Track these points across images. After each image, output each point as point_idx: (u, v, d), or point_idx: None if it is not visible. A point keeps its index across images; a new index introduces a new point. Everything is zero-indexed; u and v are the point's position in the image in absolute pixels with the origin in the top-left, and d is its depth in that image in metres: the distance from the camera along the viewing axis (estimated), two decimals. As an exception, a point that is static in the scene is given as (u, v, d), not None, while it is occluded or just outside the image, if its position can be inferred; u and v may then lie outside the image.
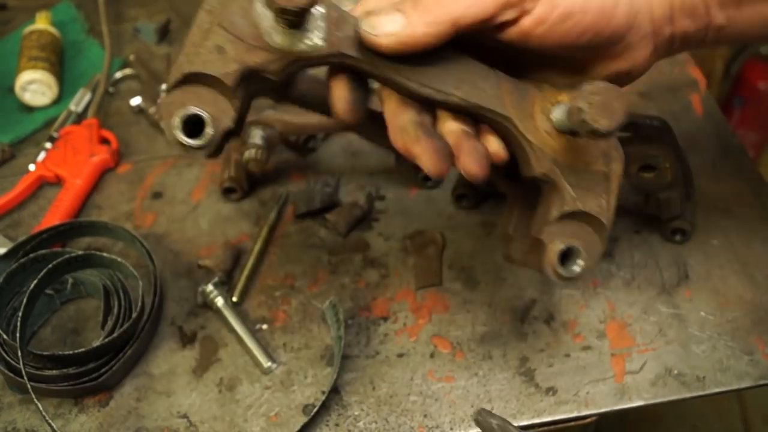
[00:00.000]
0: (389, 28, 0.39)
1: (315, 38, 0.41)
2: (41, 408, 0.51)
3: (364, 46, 0.40)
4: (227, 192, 0.69)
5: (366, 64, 0.42)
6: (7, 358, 0.55)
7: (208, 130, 0.40)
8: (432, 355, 0.57)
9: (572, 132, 0.42)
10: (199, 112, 0.40)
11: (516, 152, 0.45)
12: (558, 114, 0.43)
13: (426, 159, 0.41)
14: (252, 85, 0.42)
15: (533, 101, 0.44)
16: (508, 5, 0.40)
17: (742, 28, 0.45)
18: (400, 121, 0.42)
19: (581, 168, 0.44)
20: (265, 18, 0.40)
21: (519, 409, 0.53)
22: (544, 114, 0.44)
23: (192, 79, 0.40)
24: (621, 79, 0.45)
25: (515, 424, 0.52)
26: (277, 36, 0.41)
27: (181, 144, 0.40)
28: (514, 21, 0.41)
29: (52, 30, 0.84)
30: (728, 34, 0.45)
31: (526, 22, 0.41)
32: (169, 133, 0.40)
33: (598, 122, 0.38)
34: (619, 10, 0.41)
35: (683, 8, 0.44)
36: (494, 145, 0.43)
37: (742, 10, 0.44)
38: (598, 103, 0.38)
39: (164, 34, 0.89)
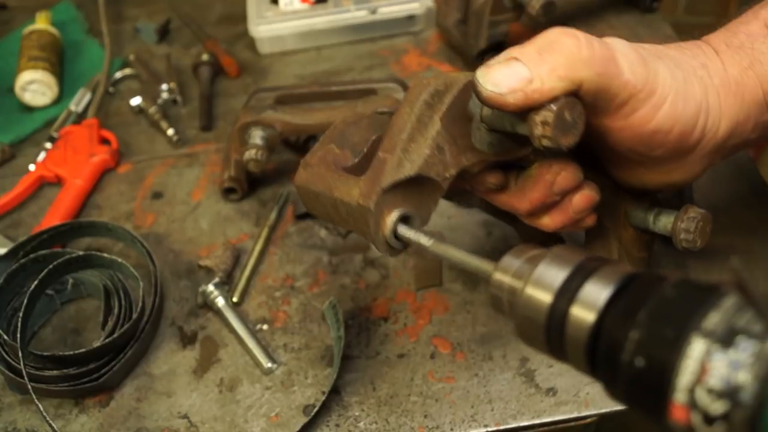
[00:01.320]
0: (513, 84, 0.36)
1: (511, 142, 0.42)
2: (42, 408, 0.51)
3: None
4: (227, 192, 0.69)
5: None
6: (8, 359, 0.55)
7: (410, 233, 0.39)
8: (432, 356, 0.57)
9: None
10: (410, 214, 0.40)
11: None
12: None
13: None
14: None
15: None
16: (628, 93, 0.37)
17: None
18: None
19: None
20: (475, 120, 0.40)
21: (519, 409, 0.53)
22: None
23: (409, 179, 0.39)
24: (669, 188, 0.45)
25: (515, 425, 0.52)
26: (481, 139, 0.41)
27: (388, 245, 0.40)
28: (618, 109, 0.38)
29: (52, 30, 0.84)
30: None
31: (620, 122, 0.39)
32: (378, 235, 0.40)
33: (696, 243, 0.47)
34: (694, 135, 0.40)
35: (747, 122, 0.42)
36: None
37: None
38: (699, 227, 0.46)
39: (164, 34, 0.89)
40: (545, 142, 0.36)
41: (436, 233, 0.39)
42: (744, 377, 0.24)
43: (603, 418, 0.53)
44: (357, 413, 0.54)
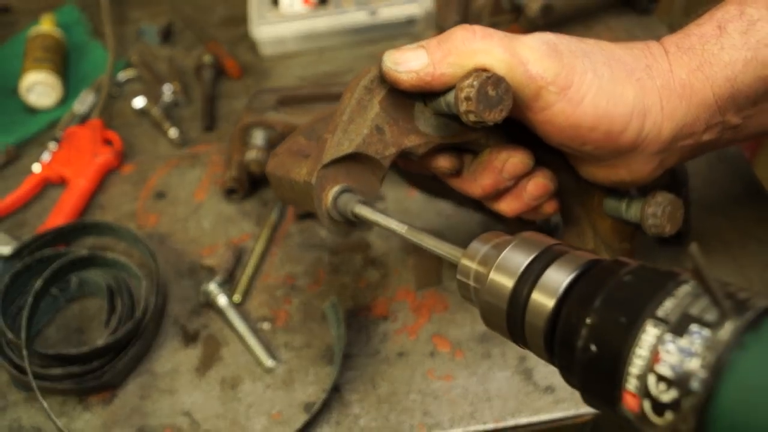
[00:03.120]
0: (412, 65, 0.39)
1: (458, 125, 0.43)
2: (46, 406, 0.52)
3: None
4: (229, 192, 0.70)
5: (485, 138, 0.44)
6: (13, 357, 0.56)
7: (376, 215, 0.41)
8: (432, 354, 0.57)
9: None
10: (350, 188, 0.42)
11: None
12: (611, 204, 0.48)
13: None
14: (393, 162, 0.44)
15: None
16: (536, 85, 0.38)
17: (761, 122, 0.42)
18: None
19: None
20: (418, 104, 0.42)
21: (517, 407, 0.53)
22: None
23: (349, 156, 0.42)
24: (623, 185, 0.45)
25: (513, 423, 0.53)
26: (426, 122, 0.43)
27: (330, 218, 0.42)
28: (531, 101, 0.39)
29: (57, 32, 0.85)
30: (744, 131, 0.43)
31: (539, 115, 0.39)
32: (320, 208, 0.42)
33: (665, 229, 0.46)
34: (626, 135, 0.40)
35: (696, 124, 0.41)
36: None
37: (760, 106, 0.41)
38: (667, 212, 0.45)
39: (167, 35, 0.90)
40: (471, 117, 0.38)
41: (405, 222, 0.40)
42: (694, 365, 0.24)
43: (600, 416, 0.53)
44: (357, 411, 0.54)
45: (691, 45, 0.41)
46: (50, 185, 0.73)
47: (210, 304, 0.61)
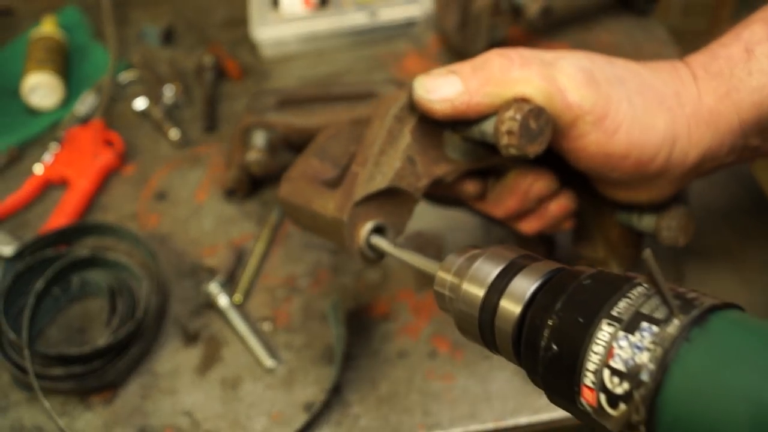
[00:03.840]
0: (445, 93, 0.38)
1: (485, 150, 0.42)
2: (48, 406, 0.52)
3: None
4: (230, 193, 0.70)
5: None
6: (14, 357, 0.56)
7: (385, 244, 0.41)
8: (432, 355, 0.57)
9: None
10: (383, 226, 0.41)
11: None
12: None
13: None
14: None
15: None
16: (574, 114, 0.37)
17: None
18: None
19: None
20: (447, 131, 0.41)
21: (517, 407, 0.53)
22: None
23: (384, 191, 0.40)
24: (640, 204, 0.45)
25: (513, 423, 0.53)
26: (454, 149, 0.42)
27: (363, 256, 0.41)
28: (567, 130, 0.39)
29: (59, 34, 0.85)
30: (764, 151, 0.43)
31: (573, 143, 0.39)
32: (352, 246, 0.41)
33: (678, 240, 0.47)
34: (654, 163, 0.40)
35: (720, 150, 0.41)
36: None
37: None
38: (681, 224, 0.46)
39: (168, 37, 0.90)
40: (512, 151, 0.37)
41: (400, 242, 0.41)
42: (645, 358, 0.26)
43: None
44: (357, 411, 0.54)
45: (720, 69, 0.40)
46: (52, 186, 0.73)
47: (211, 305, 0.62)
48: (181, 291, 0.63)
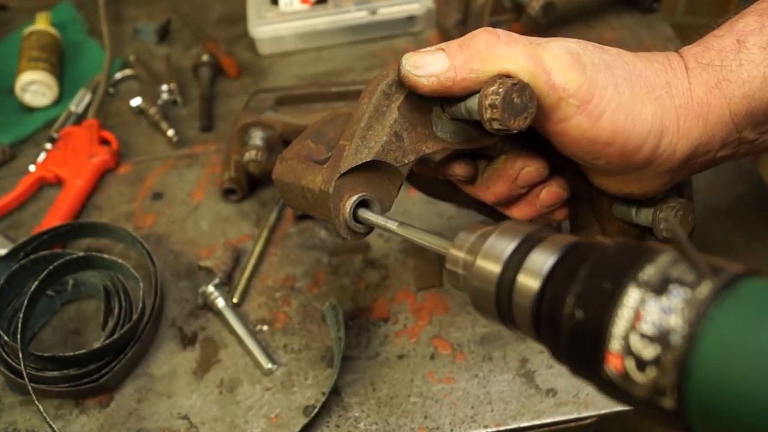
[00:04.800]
0: (432, 69, 0.38)
1: (475, 131, 0.42)
2: (42, 409, 0.51)
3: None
4: (227, 193, 0.69)
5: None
6: (8, 360, 0.55)
7: (373, 217, 0.41)
8: (432, 357, 0.57)
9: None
10: (369, 198, 0.41)
11: None
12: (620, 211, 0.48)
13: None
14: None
15: None
16: (557, 96, 0.37)
17: None
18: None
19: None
20: (436, 109, 0.41)
21: (519, 410, 0.53)
22: None
23: (367, 164, 0.41)
24: (633, 196, 0.45)
25: (515, 426, 0.52)
26: (443, 128, 0.42)
27: (348, 228, 0.41)
28: (550, 111, 0.38)
29: (53, 31, 0.84)
30: (761, 145, 0.42)
31: (556, 125, 0.39)
32: (338, 218, 0.41)
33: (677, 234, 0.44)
34: (640, 153, 0.39)
35: (712, 143, 0.40)
36: None
37: None
38: (679, 216, 0.45)
39: (164, 34, 0.90)
40: (495, 125, 0.37)
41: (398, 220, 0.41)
42: (675, 321, 0.26)
43: (602, 419, 0.53)
44: (357, 414, 0.54)
45: (711, 60, 0.40)
46: (46, 185, 0.73)
47: (208, 306, 0.61)
48: (177, 292, 0.63)
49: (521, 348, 0.57)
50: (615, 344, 0.27)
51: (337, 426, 0.53)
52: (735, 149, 0.42)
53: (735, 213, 0.64)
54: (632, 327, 0.27)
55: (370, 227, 0.42)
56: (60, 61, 0.83)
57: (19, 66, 0.79)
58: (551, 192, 0.46)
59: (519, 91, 0.37)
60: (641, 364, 0.26)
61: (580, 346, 0.29)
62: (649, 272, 0.27)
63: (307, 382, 0.56)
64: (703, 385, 0.25)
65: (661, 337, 0.26)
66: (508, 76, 0.37)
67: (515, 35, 0.38)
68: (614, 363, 0.27)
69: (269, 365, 0.57)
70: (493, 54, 0.38)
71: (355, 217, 0.42)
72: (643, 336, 0.26)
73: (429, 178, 0.49)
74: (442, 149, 0.43)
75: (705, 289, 0.26)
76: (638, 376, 0.27)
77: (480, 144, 0.44)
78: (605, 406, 0.53)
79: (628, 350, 0.27)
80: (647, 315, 0.26)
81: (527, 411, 0.53)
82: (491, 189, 0.46)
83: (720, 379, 0.24)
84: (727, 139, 0.40)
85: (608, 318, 0.27)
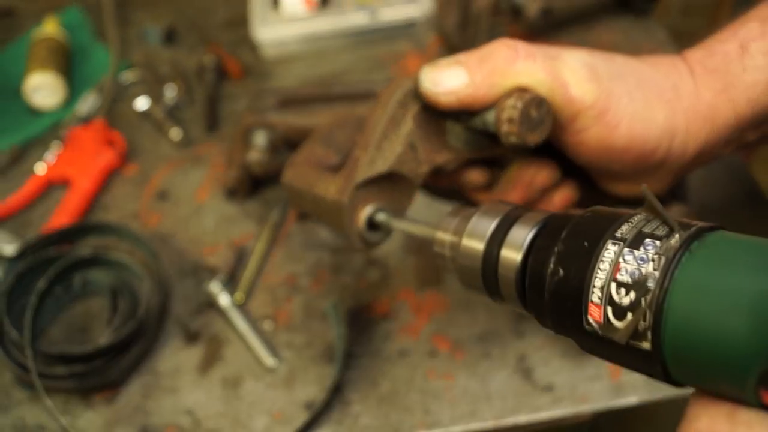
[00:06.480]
0: (451, 85, 0.38)
1: (488, 140, 0.42)
2: (50, 404, 0.52)
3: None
4: (231, 193, 0.70)
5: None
6: (17, 356, 0.56)
7: (386, 226, 0.42)
8: (432, 354, 0.57)
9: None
10: (382, 210, 0.42)
11: None
12: None
13: None
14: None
15: None
16: (575, 108, 0.38)
17: None
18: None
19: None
20: (450, 120, 0.41)
21: (517, 406, 0.54)
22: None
23: (382, 175, 0.41)
24: (637, 197, 0.45)
25: (513, 421, 0.53)
26: (456, 137, 0.42)
27: (362, 239, 0.42)
28: (568, 124, 0.39)
29: (60, 34, 0.85)
30: (759, 142, 0.44)
31: (574, 137, 0.39)
32: (351, 228, 0.41)
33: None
34: (654, 156, 0.40)
35: (718, 143, 0.41)
36: None
37: None
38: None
39: (169, 37, 0.91)
40: (512, 139, 0.38)
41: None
42: (650, 269, 0.28)
43: (599, 414, 0.54)
44: (358, 410, 0.55)
45: (716, 66, 0.40)
46: (54, 186, 0.74)
47: (212, 304, 0.62)
48: (182, 290, 0.64)
49: (519, 345, 0.57)
50: (595, 295, 0.30)
51: (339, 421, 0.54)
52: (736, 146, 0.43)
53: (728, 212, 0.65)
54: (611, 277, 0.29)
55: (382, 238, 0.43)
56: (68, 64, 0.85)
57: (27, 68, 0.81)
58: (564, 195, 0.47)
59: (536, 106, 0.37)
60: (620, 311, 0.29)
61: (564, 302, 0.31)
62: (624, 229, 0.30)
63: (309, 378, 0.57)
64: (676, 325, 0.27)
65: (637, 284, 0.28)
66: (525, 90, 0.37)
67: (533, 48, 0.38)
68: (595, 314, 0.30)
69: (272, 362, 0.57)
70: (512, 69, 0.38)
71: (369, 225, 0.42)
72: (620, 285, 0.29)
73: (441, 187, 0.49)
74: (455, 159, 0.42)
75: (676, 239, 0.28)
76: (617, 323, 0.29)
77: (492, 152, 0.44)
78: (602, 401, 0.54)
79: (608, 299, 0.29)
80: (625, 265, 0.29)
81: (525, 407, 0.54)
82: (506, 196, 0.46)
83: (690, 318, 0.27)
84: (731, 139, 0.42)
85: (589, 272, 0.30)
